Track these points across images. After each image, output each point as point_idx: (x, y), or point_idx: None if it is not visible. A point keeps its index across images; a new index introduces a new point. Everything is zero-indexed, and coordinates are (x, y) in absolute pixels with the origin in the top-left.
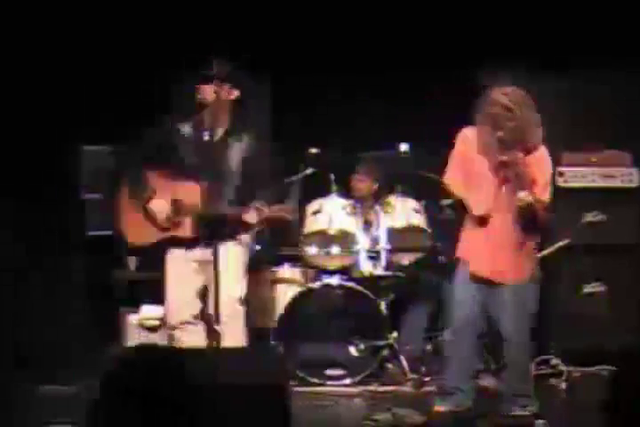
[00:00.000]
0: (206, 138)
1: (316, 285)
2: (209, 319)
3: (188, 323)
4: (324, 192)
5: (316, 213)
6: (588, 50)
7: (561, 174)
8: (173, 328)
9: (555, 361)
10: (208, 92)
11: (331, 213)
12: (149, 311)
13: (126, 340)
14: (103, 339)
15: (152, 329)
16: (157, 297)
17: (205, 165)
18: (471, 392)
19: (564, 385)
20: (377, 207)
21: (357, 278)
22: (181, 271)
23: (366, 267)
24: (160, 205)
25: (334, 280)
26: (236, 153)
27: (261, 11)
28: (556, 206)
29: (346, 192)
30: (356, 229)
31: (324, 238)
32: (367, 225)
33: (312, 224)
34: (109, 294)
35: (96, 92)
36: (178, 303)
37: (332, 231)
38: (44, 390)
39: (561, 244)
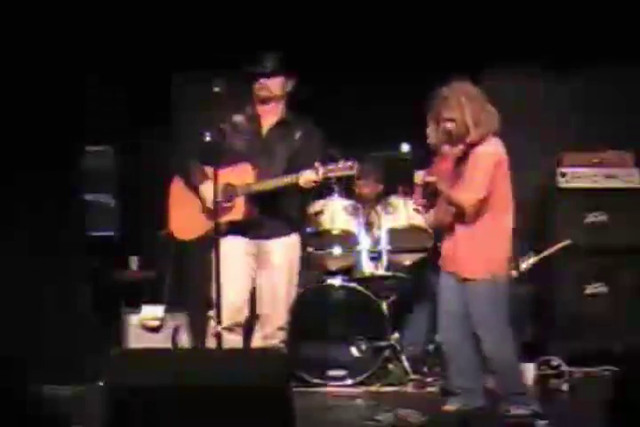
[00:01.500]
0: (262, 129)
1: (318, 285)
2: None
3: (239, 324)
4: (326, 193)
5: (318, 213)
6: (589, 50)
7: (563, 175)
8: (226, 330)
9: (556, 362)
10: (264, 85)
11: (333, 213)
12: (150, 311)
13: (127, 340)
14: (104, 339)
15: (153, 329)
16: (159, 297)
17: (258, 154)
18: (479, 391)
19: (565, 386)
20: (378, 208)
21: (359, 279)
22: (236, 267)
23: (368, 267)
24: (210, 190)
25: (336, 281)
26: (289, 143)
27: (262, 10)
28: (557, 207)
29: (347, 193)
30: (357, 229)
31: (326, 239)
32: (369, 226)
33: (314, 225)
34: (110, 294)
35: (97, 92)
36: (234, 303)
37: (334, 232)
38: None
39: (562, 244)
